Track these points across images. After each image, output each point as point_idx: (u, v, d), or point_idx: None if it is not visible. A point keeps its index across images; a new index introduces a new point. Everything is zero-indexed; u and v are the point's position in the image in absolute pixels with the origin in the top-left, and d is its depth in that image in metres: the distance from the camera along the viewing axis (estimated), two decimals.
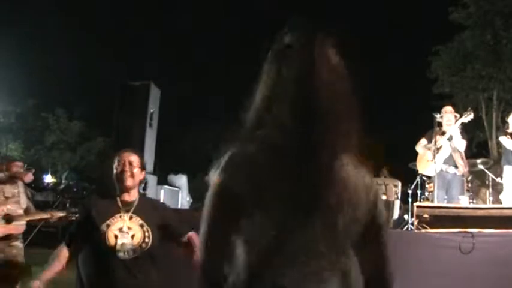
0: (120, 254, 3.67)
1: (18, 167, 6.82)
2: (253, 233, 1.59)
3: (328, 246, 1.62)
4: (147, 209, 3.88)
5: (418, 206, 7.08)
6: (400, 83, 33.32)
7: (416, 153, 8.61)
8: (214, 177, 1.64)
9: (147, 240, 3.73)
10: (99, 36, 48.28)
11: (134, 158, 3.90)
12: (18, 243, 6.35)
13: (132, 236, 3.71)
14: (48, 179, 37.89)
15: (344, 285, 1.64)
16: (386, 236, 1.88)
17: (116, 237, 3.68)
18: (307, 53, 1.69)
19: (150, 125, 10.59)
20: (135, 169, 3.86)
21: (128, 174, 3.83)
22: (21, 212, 6.40)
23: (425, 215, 6.74)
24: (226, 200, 1.60)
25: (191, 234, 3.91)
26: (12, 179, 6.64)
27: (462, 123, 8.21)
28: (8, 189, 6.47)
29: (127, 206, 3.83)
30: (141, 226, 3.77)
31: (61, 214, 6.36)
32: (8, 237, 6.20)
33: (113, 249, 3.67)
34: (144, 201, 3.97)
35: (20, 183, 6.71)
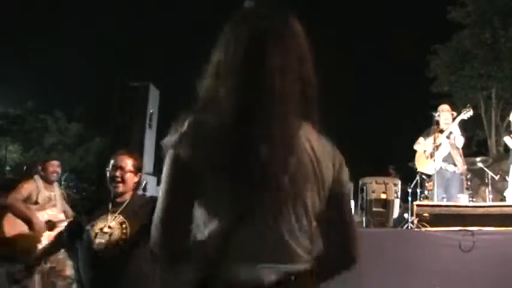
0: (100, 253, 3.68)
1: (54, 166, 6.49)
2: (212, 204, 1.59)
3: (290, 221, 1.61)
4: (135, 207, 3.86)
5: (417, 205, 7.09)
6: (398, 82, 33.33)
7: (415, 152, 8.61)
8: (170, 145, 1.63)
9: (123, 237, 3.71)
10: (98, 36, 48.28)
11: (127, 162, 3.90)
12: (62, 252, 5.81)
13: (110, 235, 3.71)
14: None
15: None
16: (349, 205, 1.84)
17: (95, 236, 3.70)
18: (256, 28, 1.66)
19: (150, 125, 10.60)
20: (126, 174, 3.87)
21: (119, 180, 3.85)
22: (62, 216, 6.06)
23: (425, 214, 6.75)
24: (183, 169, 1.59)
25: None
26: (47, 181, 6.30)
27: (461, 120, 8.22)
28: (44, 192, 6.15)
29: (116, 207, 3.84)
30: (121, 224, 3.76)
31: None
32: None
33: (92, 248, 3.69)
34: (136, 200, 3.95)
35: (55, 184, 6.45)
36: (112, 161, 3.88)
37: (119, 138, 10.24)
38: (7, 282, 4.95)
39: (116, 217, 3.79)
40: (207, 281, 1.56)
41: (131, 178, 3.90)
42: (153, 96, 10.76)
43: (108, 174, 3.86)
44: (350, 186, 1.81)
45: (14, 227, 5.82)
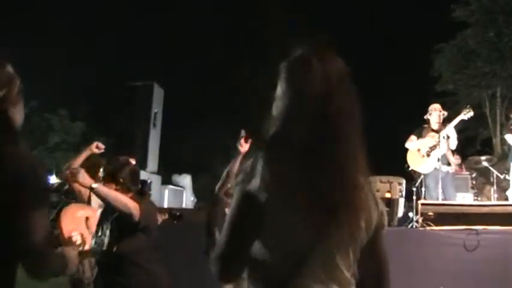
0: (96, 258, 3.85)
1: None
2: (275, 236, 1.67)
3: (343, 257, 1.72)
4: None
5: (422, 204, 7.09)
6: (402, 80, 33.26)
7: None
8: (241, 180, 1.71)
9: (113, 242, 3.78)
10: (102, 35, 48.33)
11: None
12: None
13: (101, 241, 3.82)
14: (53, 179, 37.93)
15: None
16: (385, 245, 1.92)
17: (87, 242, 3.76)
18: (322, 70, 1.74)
19: (154, 125, 10.66)
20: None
21: None
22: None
23: (430, 213, 6.75)
24: (252, 203, 1.66)
25: None
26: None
27: (462, 120, 8.23)
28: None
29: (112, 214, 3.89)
30: (112, 231, 3.83)
31: None
32: None
33: (88, 254, 3.86)
34: None
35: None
36: None
37: (123, 138, 10.29)
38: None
39: (111, 222, 3.86)
40: None
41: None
42: (158, 96, 10.83)
43: None
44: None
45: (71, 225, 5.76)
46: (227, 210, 1.85)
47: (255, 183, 1.65)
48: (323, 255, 1.67)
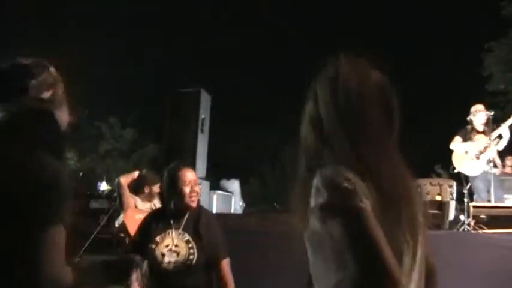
0: (167, 271, 3.77)
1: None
2: None
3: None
4: (195, 221, 3.94)
5: (474, 206, 6.97)
6: (453, 80, 32.73)
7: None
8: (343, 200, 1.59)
9: (191, 257, 3.78)
10: (150, 43, 49.05)
11: (195, 176, 4.02)
12: None
13: (178, 254, 3.79)
14: (103, 186, 38.67)
15: None
16: None
17: (163, 255, 3.79)
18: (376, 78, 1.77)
19: (202, 131, 10.72)
20: (197, 188, 3.98)
21: (195, 194, 3.94)
22: None
23: (482, 215, 6.62)
24: (372, 217, 1.56)
25: (224, 264, 3.96)
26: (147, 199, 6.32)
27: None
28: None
29: (178, 223, 3.92)
30: (187, 242, 3.84)
31: None
32: None
33: (160, 267, 3.77)
34: (194, 215, 4.00)
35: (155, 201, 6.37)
36: (183, 176, 3.95)
37: (172, 144, 10.41)
38: None
39: (180, 234, 3.87)
40: None
41: (200, 190, 4.01)
42: (205, 102, 10.89)
43: (182, 190, 3.92)
44: None
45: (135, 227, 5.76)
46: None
47: (365, 199, 1.56)
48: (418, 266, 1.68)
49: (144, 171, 6.77)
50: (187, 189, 3.90)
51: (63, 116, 2.10)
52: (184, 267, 3.76)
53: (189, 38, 50.60)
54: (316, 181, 1.59)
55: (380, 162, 1.64)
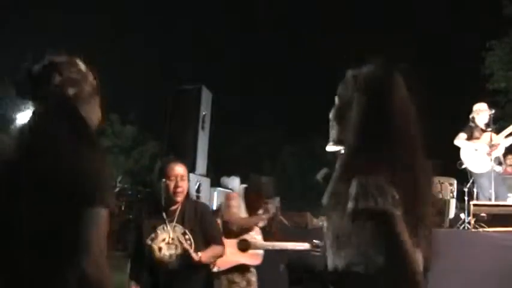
0: (166, 264, 3.81)
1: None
2: None
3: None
4: (189, 214, 3.97)
5: (474, 205, 6.97)
6: (454, 80, 32.75)
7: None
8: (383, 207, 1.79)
9: (189, 248, 3.82)
10: (151, 40, 48.99)
11: (183, 170, 4.03)
12: (251, 276, 5.36)
13: (176, 247, 3.83)
14: None
15: None
16: None
17: (160, 249, 3.83)
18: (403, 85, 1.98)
19: (203, 128, 10.76)
20: (184, 182, 4.00)
21: (180, 189, 3.96)
22: (258, 238, 5.45)
23: (483, 214, 6.62)
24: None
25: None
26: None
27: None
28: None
29: (170, 216, 3.94)
30: (183, 234, 3.88)
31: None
32: (242, 268, 5.29)
33: (158, 262, 3.82)
34: (186, 207, 4.03)
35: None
36: (169, 170, 3.98)
37: (172, 141, 10.43)
38: None
39: (174, 226, 3.89)
40: None
41: (187, 185, 4.01)
42: (206, 99, 10.92)
43: (166, 184, 3.95)
44: None
45: None
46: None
47: (395, 206, 1.76)
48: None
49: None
50: (171, 184, 3.93)
51: (92, 114, 2.14)
52: (184, 259, 3.79)
53: (190, 34, 50.57)
54: (354, 187, 1.78)
55: (411, 171, 1.84)
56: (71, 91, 2.06)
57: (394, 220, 1.74)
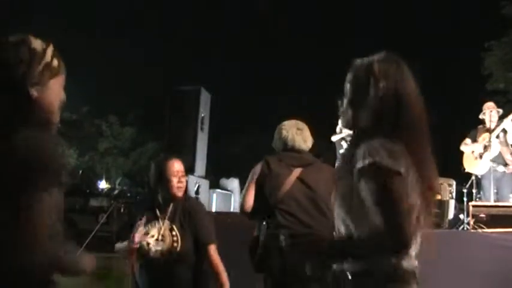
0: (156, 260, 3.83)
1: None
2: None
3: None
4: (180, 211, 3.98)
5: (473, 205, 6.96)
6: (453, 79, 32.77)
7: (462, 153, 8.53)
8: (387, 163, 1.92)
9: (175, 244, 3.84)
10: (150, 41, 49.03)
11: (182, 167, 4.05)
12: None
13: (162, 241, 3.86)
14: (103, 184, 38.74)
15: None
16: None
17: (148, 244, 3.84)
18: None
19: (202, 129, 10.77)
20: (184, 179, 4.03)
21: (181, 185, 3.99)
22: None
23: (482, 215, 6.62)
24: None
25: (211, 250, 3.97)
26: None
27: None
28: None
29: (164, 213, 3.97)
30: (171, 230, 3.89)
31: None
32: None
33: (148, 256, 3.84)
34: (179, 203, 4.04)
35: None
36: (172, 167, 4.00)
37: (171, 142, 10.43)
38: None
39: (166, 223, 3.92)
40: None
41: (185, 182, 4.04)
42: (205, 100, 10.93)
43: (170, 180, 3.96)
44: None
45: None
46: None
47: (400, 164, 1.91)
48: None
49: None
50: (174, 180, 3.95)
51: (46, 96, 2.04)
52: (169, 255, 3.81)
53: (189, 36, 50.61)
54: (363, 149, 1.94)
55: (416, 142, 2.00)
56: (19, 70, 1.95)
57: (396, 178, 1.88)
